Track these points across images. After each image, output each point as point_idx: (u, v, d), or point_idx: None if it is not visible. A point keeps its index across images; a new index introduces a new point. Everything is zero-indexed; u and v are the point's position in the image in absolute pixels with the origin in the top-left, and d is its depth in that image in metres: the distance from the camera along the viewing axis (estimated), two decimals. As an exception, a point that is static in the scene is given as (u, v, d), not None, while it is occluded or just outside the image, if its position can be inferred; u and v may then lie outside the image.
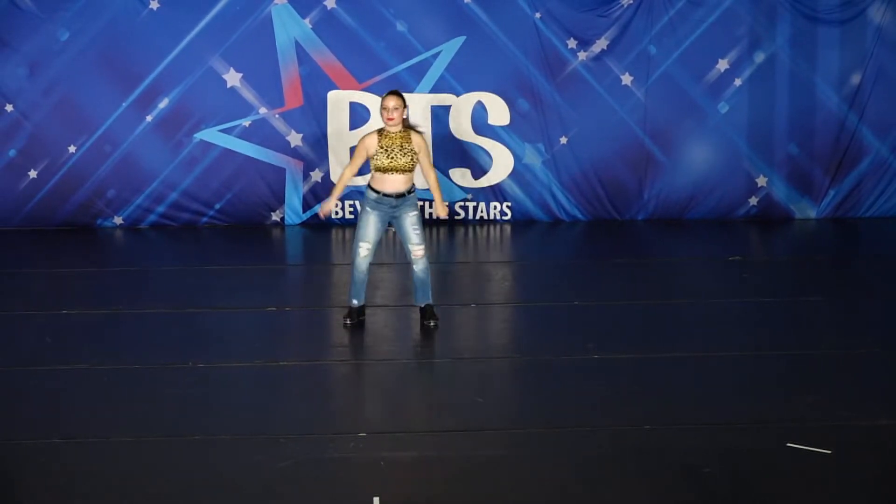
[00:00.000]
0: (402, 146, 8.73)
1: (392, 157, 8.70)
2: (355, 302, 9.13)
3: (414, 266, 8.97)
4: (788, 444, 6.84)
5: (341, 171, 8.93)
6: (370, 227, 8.86)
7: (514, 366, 8.40)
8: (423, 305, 9.12)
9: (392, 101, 8.69)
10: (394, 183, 8.76)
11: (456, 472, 6.56)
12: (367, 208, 8.86)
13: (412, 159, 8.75)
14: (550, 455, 6.75)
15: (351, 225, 12.61)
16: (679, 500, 6.19)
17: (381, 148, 8.72)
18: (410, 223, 8.86)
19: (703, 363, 8.30)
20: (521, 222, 12.76)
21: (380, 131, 8.80)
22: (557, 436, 7.02)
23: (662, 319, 9.41)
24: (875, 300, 9.94)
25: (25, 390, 7.82)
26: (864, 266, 11.30)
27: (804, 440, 6.89)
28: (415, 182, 8.97)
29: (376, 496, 6.20)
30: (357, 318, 9.15)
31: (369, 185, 8.85)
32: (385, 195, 8.78)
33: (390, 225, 9.05)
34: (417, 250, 8.90)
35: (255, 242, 12.08)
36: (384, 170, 8.72)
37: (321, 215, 8.86)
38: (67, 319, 9.37)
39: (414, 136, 8.80)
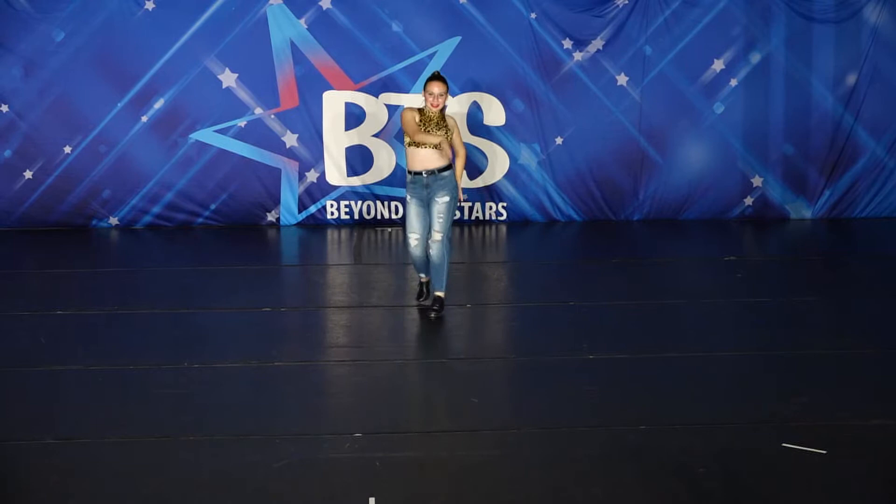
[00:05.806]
0: (437, 124, 9.07)
1: (428, 132, 9.01)
2: (423, 276, 9.60)
3: (430, 250, 9.24)
4: (784, 444, 6.84)
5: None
6: (413, 217, 9.22)
7: (509, 366, 8.39)
8: (434, 293, 9.35)
9: (437, 88, 9.01)
10: (424, 159, 9.08)
11: (451, 472, 6.56)
12: (407, 197, 9.25)
13: (445, 136, 9.04)
14: (545, 455, 6.74)
15: (346, 225, 12.63)
16: (674, 501, 6.19)
17: (420, 125, 9.05)
18: (438, 209, 9.14)
19: (698, 363, 8.30)
20: (517, 222, 12.76)
21: (420, 110, 9.12)
22: (552, 436, 7.01)
23: (657, 319, 9.40)
24: (870, 300, 9.94)
25: (20, 390, 7.81)
26: (860, 266, 11.30)
27: (799, 440, 6.89)
28: (452, 165, 9.18)
29: (372, 497, 6.19)
30: (427, 292, 9.58)
31: (406, 170, 9.19)
32: (416, 173, 9.11)
33: None
34: (435, 235, 9.18)
35: (250, 243, 12.08)
36: (417, 143, 9.03)
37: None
38: (62, 320, 9.36)
39: (448, 118, 9.16)
